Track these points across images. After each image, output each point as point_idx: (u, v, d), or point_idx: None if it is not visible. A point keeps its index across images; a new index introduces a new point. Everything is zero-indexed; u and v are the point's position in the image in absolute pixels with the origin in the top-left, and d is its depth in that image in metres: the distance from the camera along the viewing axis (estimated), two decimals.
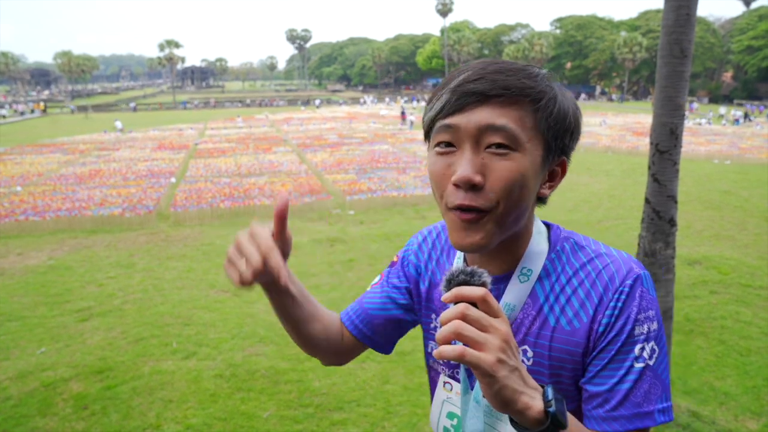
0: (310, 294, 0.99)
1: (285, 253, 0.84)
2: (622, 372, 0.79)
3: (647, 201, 3.40)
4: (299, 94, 77.99)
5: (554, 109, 0.79)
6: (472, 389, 0.90)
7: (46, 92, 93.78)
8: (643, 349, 0.79)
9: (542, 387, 0.71)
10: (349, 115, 37.42)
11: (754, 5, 61.05)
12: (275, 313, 0.95)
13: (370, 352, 1.12)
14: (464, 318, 0.66)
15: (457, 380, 0.94)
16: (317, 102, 55.26)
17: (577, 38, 61.93)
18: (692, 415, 3.59)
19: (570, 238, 0.89)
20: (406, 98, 57.49)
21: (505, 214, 0.78)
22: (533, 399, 0.68)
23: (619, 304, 0.80)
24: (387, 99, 58.43)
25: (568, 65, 64.33)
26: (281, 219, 0.82)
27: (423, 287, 1.03)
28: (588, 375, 0.82)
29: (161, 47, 68.15)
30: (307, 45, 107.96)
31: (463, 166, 0.76)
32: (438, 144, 0.80)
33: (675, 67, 3.17)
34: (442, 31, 69.94)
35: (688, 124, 27.39)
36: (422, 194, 11.13)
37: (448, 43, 66.15)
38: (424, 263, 1.04)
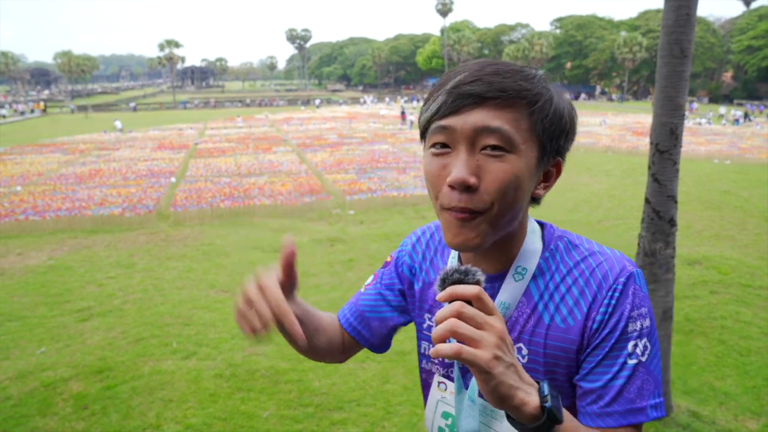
0: (311, 308, 0.99)
1: (292, 286, 0.85)
2: (615, 368, 0.80)
3: (647, 201, 3.40)
4: (299, 94, 77.98)
5: (550, 111, 0.79)
6: (466, 388, 0.91)
7: (46, 92, 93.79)
8: (636, 345, 0.80)
9: (538, 383, 0.71)
10: (349, 115, 37.43)
11: (754, 5, 61.07)
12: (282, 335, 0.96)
13: (370, 352, 1.13)
14: (460, 316, 0.66)
15: (452, 380, 0.95)
16: (317, 102, 55.26)
17: (577, 38, 61.93)
18: (692, 415, 3.59)
19: (564, 237, 0.90)
20: (406, 98, 57.50)
21: (500, 215, 0.79)
22: (529, 395, 0.68)
23: (613, 302, 0.81)
24: (387, 99, 58.43)
25: (568, 65, 64.35)
26: (289, 267, 0.81)
27: (417, 287, 1.04)
28: (582, 372, 0.83)
29: (161, 47, 68.17)
30: (307, 45, 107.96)
31: (458, 167, 0.76)
32: (433, 145, 0.81)
33: (675, 67, 3.17)
34: (442, 31, 69.94)
35: (688, 124, 27.39)
36: (422, 194, 11.12)
37: (448, 43, 66.15)
38: (418, 263, 1.04)
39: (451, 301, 0.68)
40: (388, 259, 1.10)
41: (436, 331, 0.66)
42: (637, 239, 3.52)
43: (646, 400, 0.79)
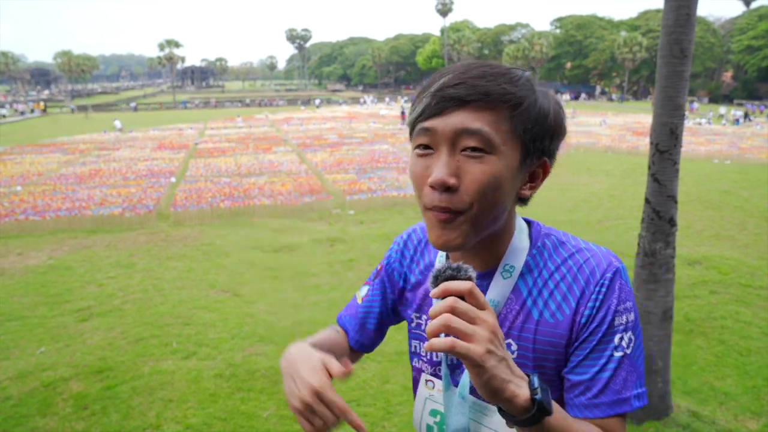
0: (324, 337, 1.06)
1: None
2: (603, 361, 0.83)
3: (647, 201, 3.40)
4: (299, 94, 77.98)
5: (533, 113, 0.80)
6: (455, 386, 0.92)
7: (46, 92, 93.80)
8: (621, 338, 0.83)
9: (528, 376, 0.73)
10: (349, 114, 37.42)
11: (754, 5, 61.05)
12: None
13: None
14: (453, 311, 0.68)
15: (440, 378, 0.96)
16: (317, 102, 55.25)
17: (577, 38, 61.92)
18: (692, 415, 3.59)
19: (551, 235, 0.92)
20: (406, 98, 57.43)
21: (480, 214, 0.80)
22: (520, 387, 0.70)
23: (601, 297, 0.83)
24: (387, 99, 58.45)
25: (568, 65, 64.36)
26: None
27: (407, 289, 1.07)
28: (570, 365, 0.85)
29: (161, 47, 68.13)
30: (307, 45, 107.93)
31: (439, 168, 0.78)
32: (418, 146, 0.83)
33: (675, 67, 3.17)
34: (442, 31, 69.94)
35: (688, 124, 27.40)
36: None
37: (448, 42, 66.15)
38: (406, 266, 1.07)
39: (444, 297, 0.70)
40: (379, 268, 1.13)
41: (430, 326, 0.68)
42: (637, 239, 3.52)
43: (630, 391, 0.83)
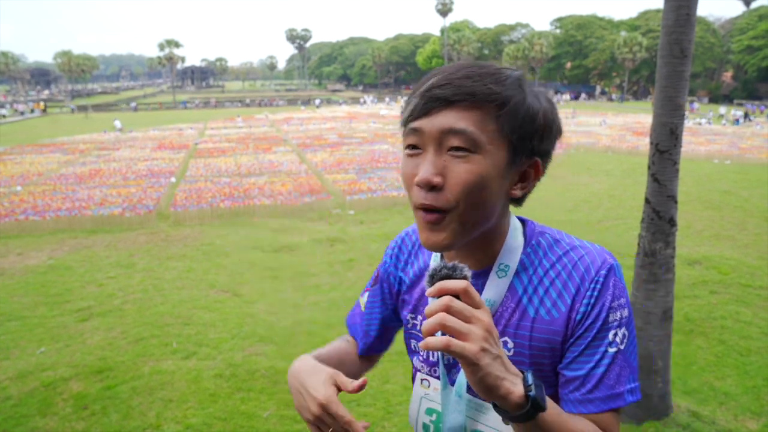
0: (333, 349, 1.09)
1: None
2: (597, 357, 0.84)
3: (647, 201, 3.40)
4: (299, 94, 77.97)
5: (521, 113, 0.81)
6: (452, 384, 0.93)
7: (46, 92, 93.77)
8: (615, 334, 0.84)
9: (523, 373, 0.74)
10: (349, 114, 37.43)
11: (754, 5, 61.05)
12: None
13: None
14: (448, 310, 0.69)
15: (435, 377, 0.98)
16: (317, 102, 55.24)
17: (577, 38, 61.89)
18: (692, 415, 3.59)
19: (545, 233, 0.93)
20: (406, 98, 57.36)
21: (467, 213, 0.81)
22: (515, 384, 0.71)
23: (596, 293, 0.85)
24: (387, 99, 58.37)
25: (568, 65, 64.33)
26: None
27: (403, 292, 1.08)
28: (565, 361, 0.86)
29: (161, 47, 68.09)
30: (307, 45, 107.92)
31: (425, 167, 0.80)
32: (407, 146, 0.84)
33: (675, 67, 3.17)
34: (442, 31, 69.93)
35: (688, 124, 27.39)
36: None
37: (448, 42, 66.13)
38: (401, 269, 1.08)
39: (439, 296, 0.70)
40: (376, 274, 1.15)
41: (425, 325, 0.68)
42: (637, 239, 3.53)
43: (624, 386, 0.84)
